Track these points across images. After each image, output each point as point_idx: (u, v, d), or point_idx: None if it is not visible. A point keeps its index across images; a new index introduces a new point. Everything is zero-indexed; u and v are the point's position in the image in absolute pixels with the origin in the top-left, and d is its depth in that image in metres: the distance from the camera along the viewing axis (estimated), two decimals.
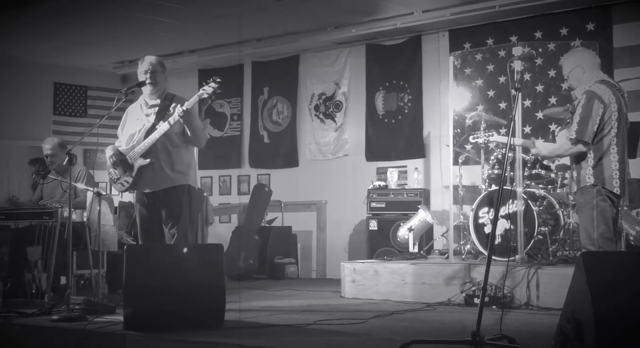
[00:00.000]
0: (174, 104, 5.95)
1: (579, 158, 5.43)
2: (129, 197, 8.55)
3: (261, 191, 10.53)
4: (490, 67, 9.14)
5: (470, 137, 7.15)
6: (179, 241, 5.97)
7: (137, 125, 6.12)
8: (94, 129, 6.22)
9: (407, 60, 10.11)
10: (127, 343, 4.88)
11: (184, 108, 5.79)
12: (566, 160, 6.11)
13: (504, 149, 7.08)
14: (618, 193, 5.32)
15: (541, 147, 5.81)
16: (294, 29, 10.21)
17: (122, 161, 6.05)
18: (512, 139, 4.86)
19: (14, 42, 10.51)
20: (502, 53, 8.92)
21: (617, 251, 5.38)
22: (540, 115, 8.64)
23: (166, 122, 5.90)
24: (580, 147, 5.37)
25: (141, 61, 6.19)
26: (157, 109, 6.09)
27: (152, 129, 5.98)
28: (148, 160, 5.96)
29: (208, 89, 5.85)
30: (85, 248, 6.83)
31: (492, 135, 6.53)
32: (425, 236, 8.81)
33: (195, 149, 6.58)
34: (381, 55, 10.35)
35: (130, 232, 8.34)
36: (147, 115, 6.11)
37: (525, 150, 6.45)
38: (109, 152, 6.12)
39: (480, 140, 6.91)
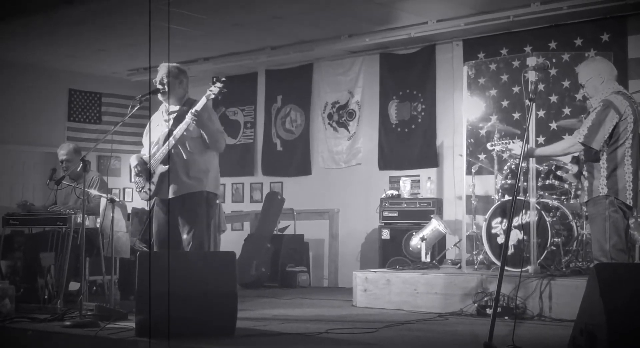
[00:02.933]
0: (186, 108, 5.99)
1: (591, 168, 5.42)
2: (142, 203, 8.56)
3: (274, 199, 10.53)
4: (504, 77, 9.11)
5: (488, 145, 7.14)
6: (195, 248, 5.97)
7: (157, 132, 6.15)
8: (108, 136, 6.25)
9: (421, 70, 10.10)
10: None
11: (193, 111, 5.82)
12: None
13: (517, 159, 7.06)
14: (630, 205, 5.31)
15: (540, 148, 5.83)
16: (308, 38, 10.22)
17: (145, 169, 6.06)
18: (522, 147, 4.85)
19: (29, 48, 10.58)
20: (516, 63, 8.91)
21: (631, 263, 5.37)
22: (554, 125, 8.61)
23: (178, 128, 5.92)
24: (578, 148, 5.40)
25: (158, 68, 6.21)
26: (175, 115, 6.10)
27: (169, 135, 6.00)
28: (166, 167, 5.96)
29: (214, 89, 5.88)
30: (98, 255, 6.84)
31: (510, 142, 6.50)
32: (438, 246, 8.77)
33: None
34: (395, 64, 10.35)
35: (143, 239, 8.36)
36: (166, 121, 6.12)
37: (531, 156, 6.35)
38: (132, 161, 6.15)
39: (497, 148, 6.89)
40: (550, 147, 5.79)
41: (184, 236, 6.04)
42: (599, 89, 5.50)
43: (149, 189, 6.05)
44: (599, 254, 5.28)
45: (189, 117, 5.83)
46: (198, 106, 5.86)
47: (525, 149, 5.39)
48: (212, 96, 5.90)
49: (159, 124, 6.18)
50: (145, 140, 6.34)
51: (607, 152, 5.34)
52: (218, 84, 5.86)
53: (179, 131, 5.93)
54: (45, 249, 6.95)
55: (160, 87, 6.10)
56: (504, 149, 6.80)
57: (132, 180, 6.26)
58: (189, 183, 6.03)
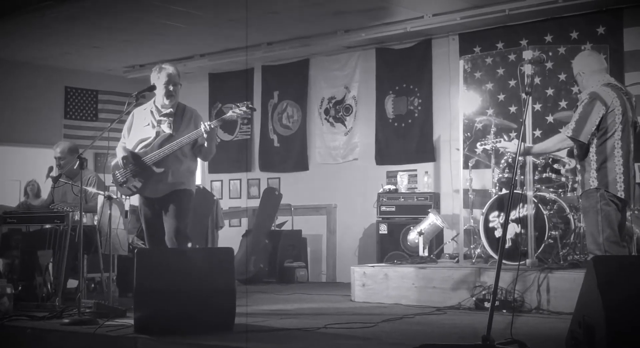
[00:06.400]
0: (187, 116, 6.06)
1: (583, 161, 5.43)
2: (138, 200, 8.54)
3: (271, 195, 10.52)
4: (501, 71, 9.11)
5: (478, 144, 7.13)
6: (180, 244, 5.98)
7: (147, 131, 6.13)
8: (105, 133, 6.24)
9: (417, 64, 10.10)
10: (137, 346, 4.89)
11: (212, 125, 5.89)
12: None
13: (513, 154, 7.06)
14: (622, 197, 5.29)
15: (533, 147, 5.82)
16: (304, 33, 10.21)
17: (135, 164, 6.05)
18: (518, 145, 4.84)
19: (24, 46, 10.56)
20: (512, 57, 8.93)
21: (628, 255, 5.37)
22: (550, 118, 8.62)
23: (191, 134, 5.96)
24: (568, 143, 5.42)
25: (159, 69, 6.17)
26: (171, 118, 6.12)
27: (169, 139, 6.02)
28: (162, 169, 5.99)
29: (239, 111, 5.97)
30: (96, 252, 6.81)
31: (500, 141, 6.50)
32: (436, 240, 8.77)
33: None
34: (391, 59, 10.34)
35: (141, 236, 8.34)
36: (160, 122, 6.12)
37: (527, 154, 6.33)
38: (121, 152, 6.12)
39: (487, 147, 6.90)
40: (542, 144, 5.77)
41: (168, 232, 6.05)
42: (589, 81, 5.52)
43: (134, 186, 6.08)
44: (593, 247, 5.30)
45: (203, 130, 5.88)
46: (217, 122, 5.99)
47: (522, 148, 5.40)
48: (235, 118, 6.03)
49: (149, 123, 6.16)
50: (126, 132, 6.29)
51: (596, 144, 5.35)
52: (245, 109, 5.97)
53: (185, 139, 5.97)
54: (43, 247, 6.90)
55: (172, 88, 6.10)
56: (494, 147, 6.79)
57: (112, 171, 6.23)
58: (174, 183, 6.07)
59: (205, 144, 6.04)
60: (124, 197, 6.57)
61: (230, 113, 6.02)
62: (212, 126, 5.90)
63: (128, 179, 6.08)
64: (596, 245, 5.26)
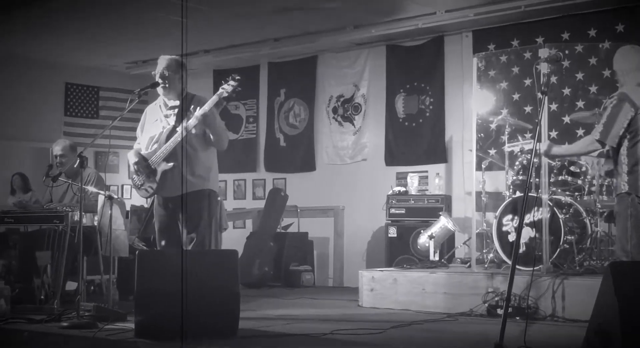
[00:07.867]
0: (193, 106, 5.92)
1: (615, 164, 5.34)
2: (141, 201, 8.48)
3: (277, 196, 10.50)
4: (516, 69, 9.03)
5: (505, 147, 7.00)
6: (197, 246, 5.92)
7: (156, 127, 6.06)
8: (106, 131, 6.19)
9: (429, 62, 10.02)
10: None
11: (201, 111, 5.74)
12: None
13: (529, 155, 6.94)
14: None
15: (560, 147, 5.75)
16: (312, 29, 10.17)
17: (145, 166, 5.97)
18: (538, 144, 4.75)
19: (24, 41, 10.55)
20: (527, 55, 8.82)
21: None
22: (567, 119, 8.55)
23: (185, 126, 5.83)
24: (596, 146, 5.31)
25: (158, 61, 6.12)
26: (176, 110, 6.02)
27: (173, 131, 5.93)
28: (172, 164, 5.87)
29: (228, 87, 5.83)
30: (96, 254, 6.80)
31: (529, 142, 6.41)
32: (447, 244, 8.72)
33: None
34: (402, 57, 10.28)
35: (142, 237, 8.30)
36: (167, 116, 6.06)
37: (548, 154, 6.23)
38: (132, 158, 6.05)
39: (516, 149, 6.79)
40: (570, 147, 5.72)
41: (186, 234, 5.96)
42: (625, 80, 5.40)
43: (150, 187, 5.98)
44: (620, 254, 5.23)
45: (197, 116, 5.75)
46: (208, 104, 5.79)
47: (545, 146, 5.40)
48: (225, 94, 5.86)
49: (158, 118, 6.09)
50: (139, 132, 6.26)
51: (627, 147, 5.24)
52: (232, 82, 5.85)
53: (185, 130, 5.84)
54: (42, 248, 6.88)
55: (160, 81, 6.01)
56: (522, 149, 6.69)
57: (129, 176, 6.14)
58: (194, 182, 5.95)
59: (208, 132, 5.91)
60: (126, 196, 6.48)
61: (220, 90, 5.86)
62: (204, 111, 5.72)
63: (144, 181, 6.01)
64: (624, 252, 5.18)
